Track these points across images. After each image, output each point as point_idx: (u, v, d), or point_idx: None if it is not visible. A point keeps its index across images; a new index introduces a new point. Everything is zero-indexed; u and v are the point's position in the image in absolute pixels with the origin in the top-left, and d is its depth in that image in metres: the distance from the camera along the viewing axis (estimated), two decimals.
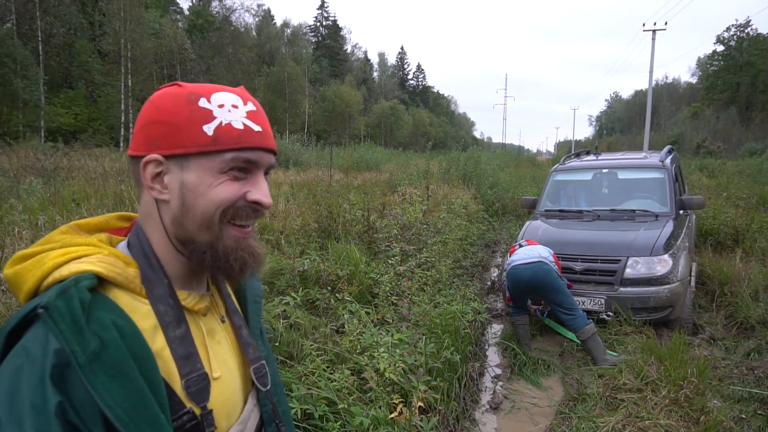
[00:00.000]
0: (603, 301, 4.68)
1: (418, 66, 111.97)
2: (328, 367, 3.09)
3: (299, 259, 4.88)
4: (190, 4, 51.61)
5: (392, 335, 3.42)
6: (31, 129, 28.41)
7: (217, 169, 0.76)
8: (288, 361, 3.21)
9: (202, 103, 0.77)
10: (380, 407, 2.78)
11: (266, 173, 0.84)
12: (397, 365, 3.08)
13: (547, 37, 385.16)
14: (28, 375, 0.62)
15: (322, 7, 72.83)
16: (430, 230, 6.61)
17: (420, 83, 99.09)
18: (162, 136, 0.77)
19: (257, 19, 59.29)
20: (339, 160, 20.83)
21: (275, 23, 63.03)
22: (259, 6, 60.30)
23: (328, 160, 17.06)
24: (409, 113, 70.84)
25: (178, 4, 50.47)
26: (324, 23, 72.97)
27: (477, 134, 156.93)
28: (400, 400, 2.92)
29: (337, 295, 4.21)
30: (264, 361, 0.94)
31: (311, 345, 3.27)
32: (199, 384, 0.77)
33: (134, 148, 0.80)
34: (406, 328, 3.84)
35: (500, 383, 4.08)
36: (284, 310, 3.65)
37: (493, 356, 4.66)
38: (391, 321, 4.04)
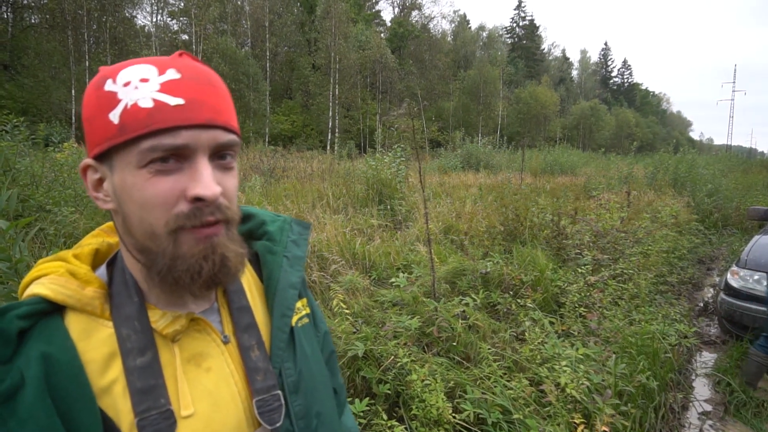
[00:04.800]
0: None
1: (624, 62, 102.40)
2: (505, 373, 2.99)
3: (482, 261, 4.82)
4: (392, 15, 54.92)
5: (577, 349, 3.16)
6: (258, 135, 33.11)
7: (135, 164, 0.61)
8: (464, 362, 3.18)
9: (108, 86, 0.62)
10: (559, 424, 2.59)
11: (222, 156, 0.66)
12: (580, 382, 2.83)
13: None
14: None
15: (519, 7, 71.22)
16: (628, 239, 5.98)
17: (625, 81, 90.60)
18: (86, 135, 0.66)
19: (453, 25, 60.50)
20: (531, 162, 20.11)
21: (470, 27, 63.48)
22: (455, 12, 61.55)
23: (520, 162, 16.60)
24: (611, 113, 65.29)
25: (381, 17, 54.11)
26: (520, 24, 71.22)
27: (694, 135, 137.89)
28: (582, 420, 2.68)
29: (519, 300, 4.06)
30: (279, 391, 0.74)
31: (489, 349, 3.20)
32: (158, 424, 0.63)
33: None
34: (594, 343, 3.52)
35: (709, 422, 3.49)
36: (464, 311, 3.64)
37: (702, 389, 4.01)
38: (576, 334, 3.75)
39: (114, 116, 0.60)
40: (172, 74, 0.62)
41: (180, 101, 0.60)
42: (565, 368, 2.90)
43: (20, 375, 0.57)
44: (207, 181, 0.61)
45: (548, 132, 53.82)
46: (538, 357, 3.15)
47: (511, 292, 4.27)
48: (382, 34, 47.68)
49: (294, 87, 39.69)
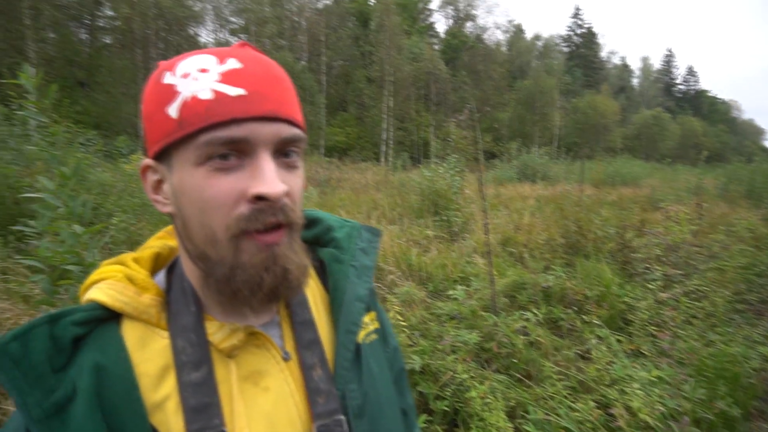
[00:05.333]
0: None
1: (689, 69, 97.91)
2: (570, 394, 2.83)
3: (543, 275, 4.64)
4: (447, 27, 55.00)
5: (650, 371, 2.96)
6: (314, 146, 33.78)
7: (193, 161, 0.57)
8: (525, 380, 3.05)
9: (167, 78, 0.58)
10: None
11: (286, 154, 0.61)
12: (654, 407, 2.64)
13: None
14: (11, 422, 0.58)
15: (576, 15, 69.64)
16: (702, 254, 5.62)
17: (691, 88, 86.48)
18: (146, 133, 0.62)
19: (508, 35, 59.84)
20: (590, 174, 19.48)
21: (525, 37, 62.58)
22: (510, 22, 60.95)
23: (578, 174, 16.10)
24: (676, 122, 62.43)
25: (435, 29, 54.30)
26: (578, 32, 69.55)
27: None
28: None
29: (583, 316, 3.87)
30: (342, 416, 0.67)
31: (552, 367, 3.05)
32: None
33: None
34: (668, 365, 3.29)
35: None
36: (524, 326, 3.50)
37: None
38: (647, 354, 3.52)
39: (172, 110, 0.56)
40: (233, 64, 0.57)
41: (241, 92, 0.56)
42: (637, 391, 2.72)
43: (73, 385, 0.55)
44: (269, 177, 0.56)
45: (608, 142, 52.03)
46: (606, 378, 2.97)
47: (574, 308, 4.07)
48: (435, 46, 47.78)
49: (348, 99, 40.35)
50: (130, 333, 0.62)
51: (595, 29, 74.94)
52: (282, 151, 0.60)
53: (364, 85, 39.03)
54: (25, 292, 3.44)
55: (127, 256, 0.69)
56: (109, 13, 30.36)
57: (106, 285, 0.63)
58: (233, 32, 38.88)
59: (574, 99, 53.79)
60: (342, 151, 33.70)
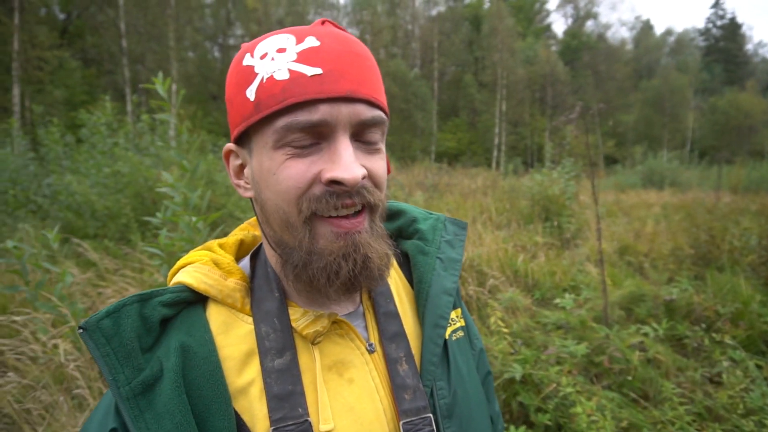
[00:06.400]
0: None
1: None
2: (694, 420, 2.52)
3: (666, 287, 4.22)
4: (565, 27, 52.66)
5: None
6: (424, 152, 34.01)
7: (271, 145, 0.55)
8: (641, 400, 2.76)
9: (246, 60, 0.57)
10: None
11: (367, 136, 0.58)
12: None
13: None
14: (105, 399, 0.59)
15: (716, 4, 63.12)
16: None
17: None
18: (229, 117, 0.62)
19: (634, 32, 55.89)
20: (730, 179, 17.49)
21: (654, 33, 57.96)
22: (636, 18, 56.88)
23: (715, 179, 14.53)
24: None
25: (552, 29, 52.22)
26: (718, 23, 62.97)
27: None
28: None
29: (714, 335, 3.43)
30: (430, 415, 0.63)
31: (673, 389, 2.73)
32: None
33: None
34: None
35: None
36: (642, 342, 3.18)
37: None
38: None
39: (250, 92, 0.55)
40: (311, 42, 0.55)
41: (317, 71, 0.53)
42: None
43: (160, 365, 0.55)
44: (347, 162, 0.54)
45: (754, 145, 46.40)
46: (740, 406, 2.60)
47: (703, 325, 3.64)
48: (553, 47, 45.92)
49: (460, 105, 40.12)
50: (215, 316, 0.62)
51: (739, 20, 67.37)
52: (362, 132, 0.58)
53: (476, 90, 38.57)
54: (152, 281, 3.79)
55: (213, 242, 0.71)
56: (239, 32, 33.01)
57: (193, 268, 0.64)
58: None
59: (712, 98, 48.74)
60: (453, 156, 33.54)
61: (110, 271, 4.21)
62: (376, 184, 0.59)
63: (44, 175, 8.42)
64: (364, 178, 0.56)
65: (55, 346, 2.69)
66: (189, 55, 29.85)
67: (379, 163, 0.59)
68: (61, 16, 26.92)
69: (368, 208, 0.58)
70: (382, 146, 0.61)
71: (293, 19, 31.77)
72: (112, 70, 24.81)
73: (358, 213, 0.57)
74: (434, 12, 41.74)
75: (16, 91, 19.06)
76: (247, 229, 0.78)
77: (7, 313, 3.27)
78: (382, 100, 0.59)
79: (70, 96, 21.16)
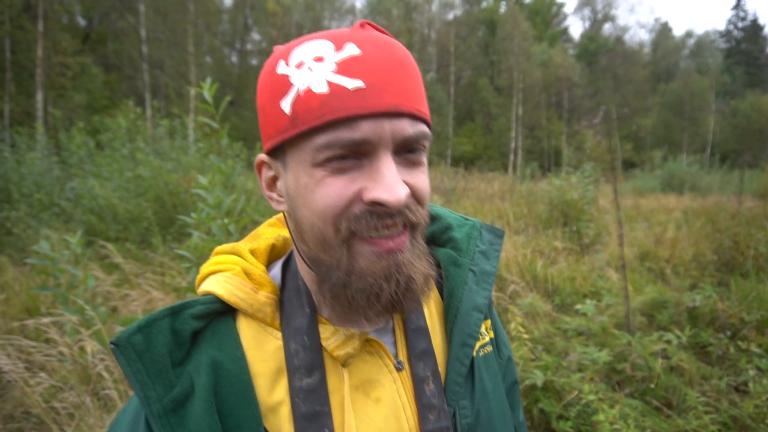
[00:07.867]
0: None
1: None
2: (720, 430, 2.48)
3: (689, 294, 4.16)
4: (582, 30, 52.25)
5: None
6: (440, 156, 33.95)
7: (309, 161, 0.52)
8: (665, 408, 2.73)
9: (281, 68, 0.53)
10: None
11: (411, 150, 0.55)
12: None
13: None
14: (131, 404, 0.58)
15: (737, 6, 62.12)
16: None
17: None
18: (261, 126, 0.58)
19: (653, 34, 55.25)
20: (753, 184, 17.18)
21: (674, 35, 57.23)
22: (656, 20, 56.24)
23: (737, 184, 14.27)
24: None
25: (569, 33, 51.83)
26: (739, 25, 61.96)
27: None
28: None
29: (739, 343, 3.38)
30: None
31: (698, 397, 2.69)
32: None
33: None
34: None
35: None
36: (665, 349, 3.15)
37: None
38: None
39: (286, 105, 0.52)
40: (351, 50, 0.52)
41: (359, 84, 0.50)
42: None
43: (191, 382, 0.54)
44: (390, 181, 0.51)
45: None
46: None
47: (727, 333, 3.58)
48: (570, 51, 45.58)
49: (476, 109, 40.03)
50: (246, 330, 0.61)
51: (761, 21, 66.24)
52: (405, 148, 0.55)
53: (491, 94, 38.43)
54: (176, 284, 3.84)
55: (244, 247, 0.69)
56: (256, 37, 33.35)
57: (224, 278, 0.62)
58: None
59: (733, 101, 47.94)
60: (469, 160, 33.42)
61: (134, 274, 4.28)
62: (419, 201, 0.56)
63: (67, 179, 8.59)
64: (408, 196, 0.53)
65: (82, 348, 2.75)
66: (207, 60, 30.23)
67: (421, 178, 0.57)
68: (83, 23, 27.49)
69: (410, 226, 0.56)
70: (425, 160, 0.59)
71: (310, 24, 31.98)
72: (132, 76, 25.24)
73: (400, 233, 0.55)
74: (450, 16, 41.80)
75: (39, 96, 19.48)
76: (276, 226, 0.76)
77: (37, 315, 3.35)
78: (425, 111, 0.56)
79: (91, 101, 21.55)
